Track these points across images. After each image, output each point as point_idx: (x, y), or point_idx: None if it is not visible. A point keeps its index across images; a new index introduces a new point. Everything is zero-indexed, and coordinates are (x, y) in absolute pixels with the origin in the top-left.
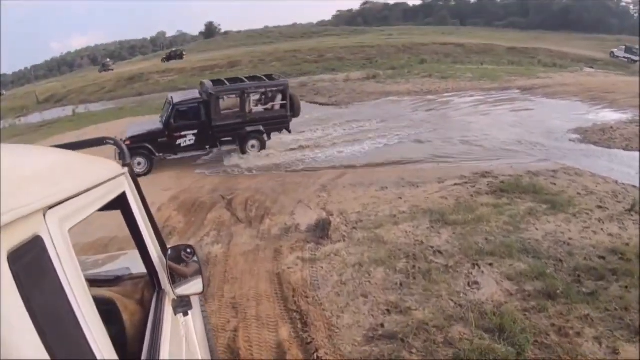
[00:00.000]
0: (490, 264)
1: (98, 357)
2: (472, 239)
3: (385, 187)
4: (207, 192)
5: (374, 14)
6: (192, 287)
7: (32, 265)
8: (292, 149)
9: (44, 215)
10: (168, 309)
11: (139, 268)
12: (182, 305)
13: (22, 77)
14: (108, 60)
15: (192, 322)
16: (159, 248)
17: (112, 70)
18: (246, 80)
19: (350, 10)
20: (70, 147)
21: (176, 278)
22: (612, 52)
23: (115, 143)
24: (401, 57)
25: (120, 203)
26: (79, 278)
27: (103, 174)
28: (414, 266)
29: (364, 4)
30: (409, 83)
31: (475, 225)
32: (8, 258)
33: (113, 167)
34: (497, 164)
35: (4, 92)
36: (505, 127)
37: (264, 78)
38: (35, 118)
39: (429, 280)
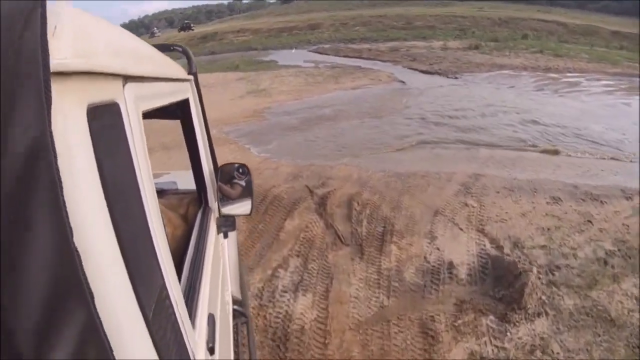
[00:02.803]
0: None
1: (155, 248)
2: None
3: (557, 197)
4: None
5: None
6: (240, 207)
7: (107, 129)
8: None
9: (123, 86)
10: (212, 227)
11: (185, 186)
12: (227, 225)
13: None
14: (187, 21)
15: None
16: (211, 164)
17: (193, 30)
18: None
19: None
20: None
21: (224, 197)
22: None
23: (184, 51)
24: (498, 30)
25: (182, 111)
26: (147, 161)
27: (175, 70)
28: None
29: None
30: (519, 57)
31: None
32: (87, 112)
33: (181, 70)
34: None
35: None
36: None
37: None
38: None
39: None
